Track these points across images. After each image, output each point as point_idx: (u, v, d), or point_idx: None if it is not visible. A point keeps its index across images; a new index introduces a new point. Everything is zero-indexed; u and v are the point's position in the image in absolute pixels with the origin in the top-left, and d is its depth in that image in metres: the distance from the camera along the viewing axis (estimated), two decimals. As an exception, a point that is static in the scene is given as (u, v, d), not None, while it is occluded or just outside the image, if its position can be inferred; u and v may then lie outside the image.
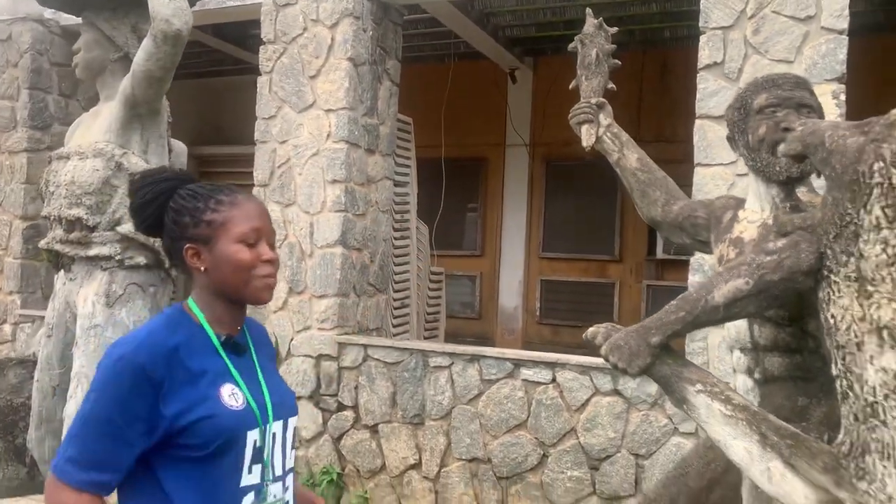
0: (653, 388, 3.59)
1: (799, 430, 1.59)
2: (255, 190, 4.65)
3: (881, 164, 1.44)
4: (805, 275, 1.57)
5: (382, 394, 4.22)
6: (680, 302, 1.70)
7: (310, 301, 4.44)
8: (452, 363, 4.07)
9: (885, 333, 1.40)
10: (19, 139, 5.63)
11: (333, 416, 4.37)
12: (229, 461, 1.41)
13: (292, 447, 1.55)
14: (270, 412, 1.48)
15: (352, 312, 4.53)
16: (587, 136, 2.41)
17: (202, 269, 1.47)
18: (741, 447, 1.60)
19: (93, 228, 2.50)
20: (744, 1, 3.51)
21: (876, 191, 1.44)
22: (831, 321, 1.51)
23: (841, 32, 3.37)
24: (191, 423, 1.36)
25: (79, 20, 2.81)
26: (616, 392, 3.69)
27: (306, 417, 4.39)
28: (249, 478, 1.44)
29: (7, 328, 5.50)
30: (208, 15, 5.21)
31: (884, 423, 1.40)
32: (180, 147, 2.83)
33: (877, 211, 1.44)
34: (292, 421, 1.55)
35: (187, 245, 1.46)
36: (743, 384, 1.96)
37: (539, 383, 3.86)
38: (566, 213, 7.73)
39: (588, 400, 3.74)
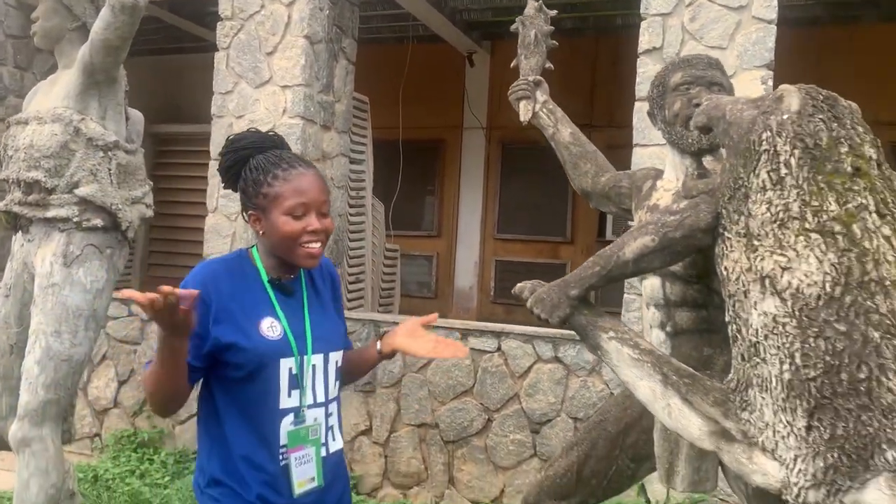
0: (591, 355, 3.80)
1: (697, 373, 1.78)
2: (211, 164, 4.74)
3: (768, 133, 1.63)
4: (703, 232, 1.75)
5: (335, 362, 4.36)
6: (596, 258, 1.88)
7: (265, 273, 4.55)
8: (403, 333, 4.22)
9: (766, 282, 1.58)
10: (-27, 110, 5.61)
11: (287, 385, 4.50)
12: (264, 383, 1.63)
13: (336, 379, 1.76)
14: (309, 345, 1.69)
15: (306, 285, 4.65)
16: (524, 112, 2.59)
17: (261, 232, 1.68)
18: (646, 386, 1.78)
19: (51, 191, 2.59)
20: (682, -11, 3.71)
21: (763, 157, 1.63)
22: (724, 273, 1.69)
23: (770, 22, 3.58)
24: (230, 344, 1.60)
25: (36, -10, 2.88)
26: (557, 359, 3.89)
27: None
28: (288, 401, 1.65)
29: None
30: (166, -10, 5.25)
31: (763, 360, 1.59)
32: (137, 116, 2.92)
33: (763, 175, 1.63)
34: (333, 355, 1.74)
35: (250, 211, 1.68)
36: (657, 337, 2.16)
37: (485, 352, 4.04)
38: (521, 195, 7.93)
39: (530, 367, 3.94)
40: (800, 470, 1.53)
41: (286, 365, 1.65)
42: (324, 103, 4.68)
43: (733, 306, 1.67)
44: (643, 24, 3.80)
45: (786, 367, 1.54)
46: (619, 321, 1.90)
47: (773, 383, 1.57)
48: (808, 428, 1.52)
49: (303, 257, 1.66)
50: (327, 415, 1.73)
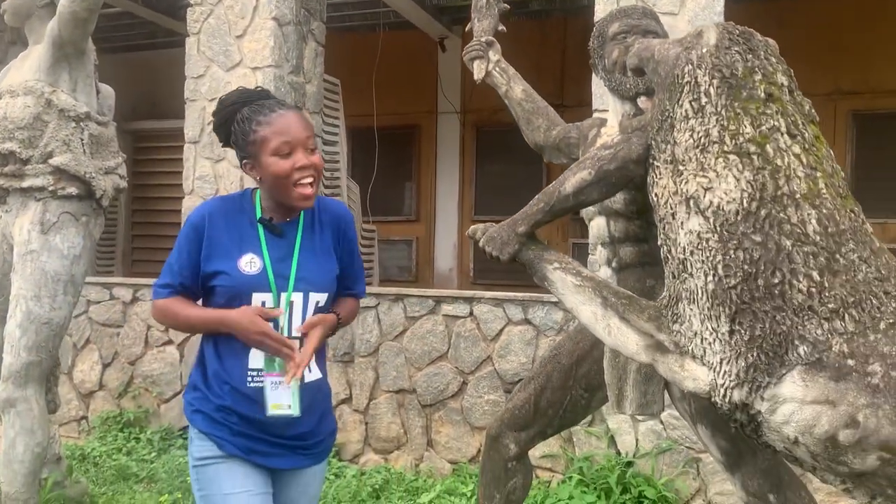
0: (559, 315, 3.94)
1: (634, 295, 1.91)
2: (186, 146, 4.83)
3: (690, 66, 1.77)
4: (635, 163, 1.88)
5: (313, 335, 4.47)
6: (540, 195, 2.01)
7: (243, 251, 4.66)
8: (379, 303, 4.35)
9: (691, 203, 1.71)
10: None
11: (268, 359, 4.61)
12: None
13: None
14: (291, 284, 1.79)
15: (284, 262, 4.76)
16: (478, 71, 2.71)
17: (258, 178, 1.81)
18: (588, 310, 1.91)
19: (26, 161, 2.70)
20: (634, -41, 3.85)
21: (686, 88, 1.76)
22: (655, 199, 1.82)
23: (718, -13, 3.73)
24: (212, 273, 1.78)
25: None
26: (527, 321, 4.02)
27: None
28: None
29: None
30: (137, -19, 5.34)
31: (691, 274, 1.72)
32: (108, 90, 3.02)
33: (686, 104, 1.76)
34: (314, 296, 1.83)
35: (244, 161, 1.81)
36: (604, 273, 2.29)
37: (458, 317, 4.17)
38: (496, 176, 8.05)
39: (502, 330, 4.07)
40: (725, 371, 1.66)
41: (259, 298, 1.78)
42: (294, 84, 4.79)
43: (663, 229, 1.80)
44: (598, -6, 3.93)
45: (710, 278, 1.67)
46: (563, 254, 2.03)
47: (699, 294, 1.70)
48: (731, 332, 1.65)
49: (297, 199, 1.77)
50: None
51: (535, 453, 3.94)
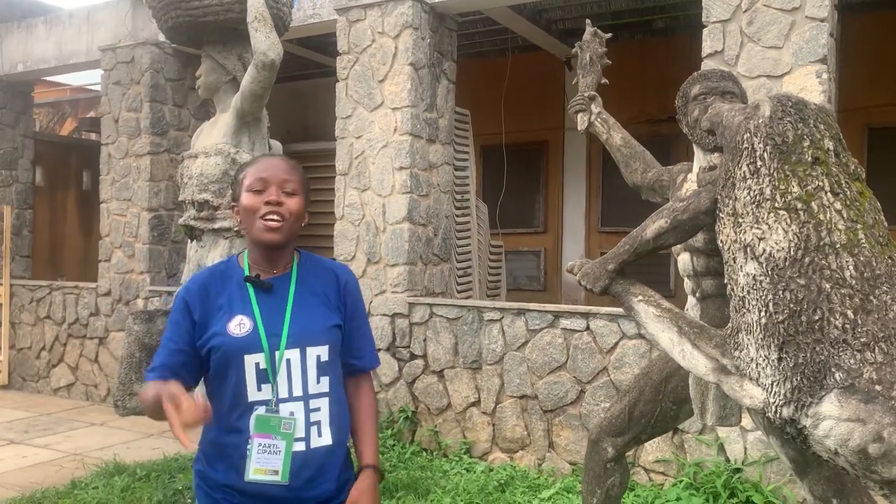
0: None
1: (705, 324, 2.26)
2: (336, 178, 5.51)
3: (748, 134, 2.11)
4: (705, 214, 2.24)
5: (446, 344, 5.01)
6: (626, 239, 2.40)
7: (384, 269, 5.28)
8: (503, 317, 4.82)
9: (748, 250, 2.05)
10: (143, 144, 6.69)
11: (407, 365, 5.20)
12: (232, 378, 1.71)
13: (322, 374, 1.76)
14: (283, 340, 1.72)
15: (419, 278, 5.34)
16: (581, 122, 3.12)
17: (239, 221, 1.82)
18: (666, 337, 2.28)
19: (217, 208, 3.39)
20: (738, -3, 4.09)
21: (744, 153, 2.11)
22: (721, 245, 2.17)
23: (822, 20, 3.90)
24: (207, 347, 1.73)
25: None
26: (640, 336, 4.34)
27: (385, 366, 5.24)
28: (258, 394, 1.70)
29: (140, 302, 6.59)
30: (294, 30, 6.08)
31: (748, 310, 2.06)
32: (277, 145, 3.70)
33: (744, 167, 2.10)
34: (312, 350, 1.75)
35: (233, 204, 1.85)
36: (690, 302, 2.63)
37: (575, 331, 4.55)
38: (621, 189, 8.23)
39: (617, 343, 4.41)
40: (775, 392, 1.99)
41: (252, 360, 1.69)
42: (428, 120, 5.35)
43: (727, 270, 2.14)
44: (705, 31, 4.20)
45: (762, 313, 2.01)
46: (647, 287, 2.41)
47: (755, 327, 2.03)
48: (780, 359, 1.98)
49: (260, 230, 1.73)
50: (309, 409, 1.73)
51: (648, 458, 4.28)
